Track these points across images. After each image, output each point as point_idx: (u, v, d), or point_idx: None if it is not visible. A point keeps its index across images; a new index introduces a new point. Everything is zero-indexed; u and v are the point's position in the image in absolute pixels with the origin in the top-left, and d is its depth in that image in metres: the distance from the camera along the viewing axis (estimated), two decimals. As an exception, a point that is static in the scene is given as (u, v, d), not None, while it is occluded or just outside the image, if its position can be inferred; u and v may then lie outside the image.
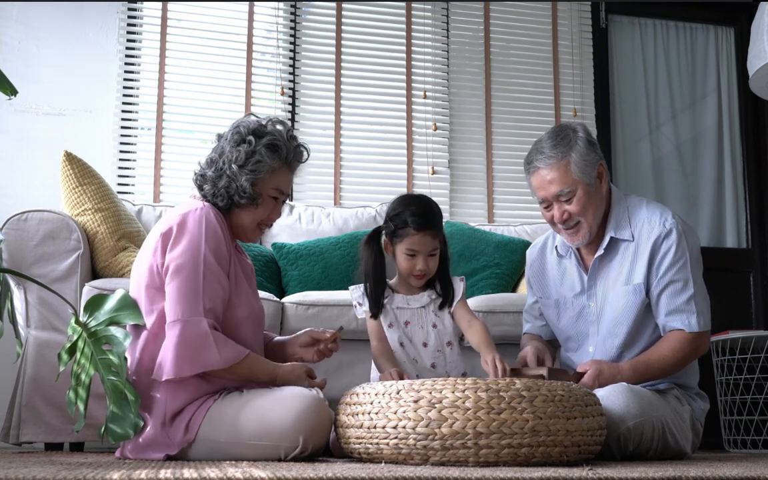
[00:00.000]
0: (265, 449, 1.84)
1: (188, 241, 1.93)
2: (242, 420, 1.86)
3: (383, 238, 2.28)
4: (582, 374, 2.10)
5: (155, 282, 1.94)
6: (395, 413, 1.66)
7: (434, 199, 2.33)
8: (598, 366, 2.11)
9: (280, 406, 1.85)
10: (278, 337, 2.30)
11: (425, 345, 2.23)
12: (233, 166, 2.01)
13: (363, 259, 2.29)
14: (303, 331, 2.25)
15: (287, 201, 3.62)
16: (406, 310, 2.26)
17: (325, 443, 1.91)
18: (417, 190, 3.86)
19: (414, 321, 2.25)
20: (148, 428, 1.90)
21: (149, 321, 1.94)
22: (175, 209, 2.05)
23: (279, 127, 2.08)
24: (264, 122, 2.08)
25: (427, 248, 2.19)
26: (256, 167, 2.01)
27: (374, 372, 2.29)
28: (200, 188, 2.07)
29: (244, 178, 2.01)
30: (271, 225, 2.16)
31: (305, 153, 2.14)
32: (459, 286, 2.30)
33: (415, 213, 2.18)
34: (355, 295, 2.29)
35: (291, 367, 2.03)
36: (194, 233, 1.93)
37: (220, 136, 2.10)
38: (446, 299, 2.28)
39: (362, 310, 2.27)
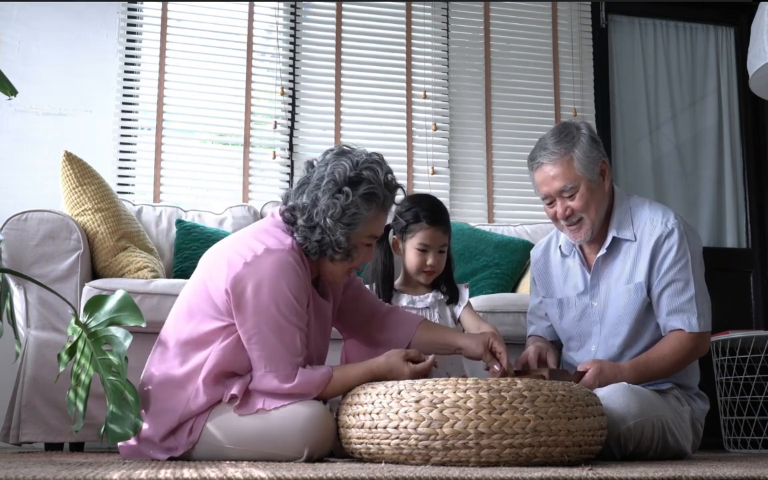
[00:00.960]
0: (267, 456, 1.84)
1: (273, 290, 1.84)
2: (247, 427, 1.86)
3: (391, 236, 2.29)
4: (583, 373, 2.10)
5: (220, 300, 1.88)
6: (396, 413, 1.66)
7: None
8: (599, 365, 2.11)
9: (285, 417, 1.84)
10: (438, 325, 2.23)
11: None
12: (328, 220, 1.89)
13: (377, 259, 2.30)
14: (482, 333, 2.15)
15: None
16: (412, 309, 2.27)
17: (329, 450, 1.92)
18: (417, 190, 3.87)
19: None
20: (156, 428, 1.89)
21: (203, 328, 1.90)
22: (263, 232, 1.94)
23: (375, 168, 1.94)
24: (360, 163, 1.93)
25: (438, 243, 2.23)
26: (352, 220, 1.91)
27: None
28: (290, 224, 1.96)
29: (340, 232, 1.90)
30: (360, 267, 2.07)
31: (402, 194, 2.04)
32: (464, 291, 2.34)
33: (426, 208, 2.23)
34: None
35: (386, 357, 1.95)
36: (278, 281, 1.85)
37: (310, 167, 1.99)
38: (452, 298, 2.31)
39: None
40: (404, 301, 2.28)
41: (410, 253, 2.25)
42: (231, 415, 1.87)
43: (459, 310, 2.33)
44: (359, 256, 1.99)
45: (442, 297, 2.32)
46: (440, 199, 2.39)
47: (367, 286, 2.32)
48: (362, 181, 1.92)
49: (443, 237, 2.24)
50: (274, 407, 1.86)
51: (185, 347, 1.91)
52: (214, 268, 1.94)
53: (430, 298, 2.29)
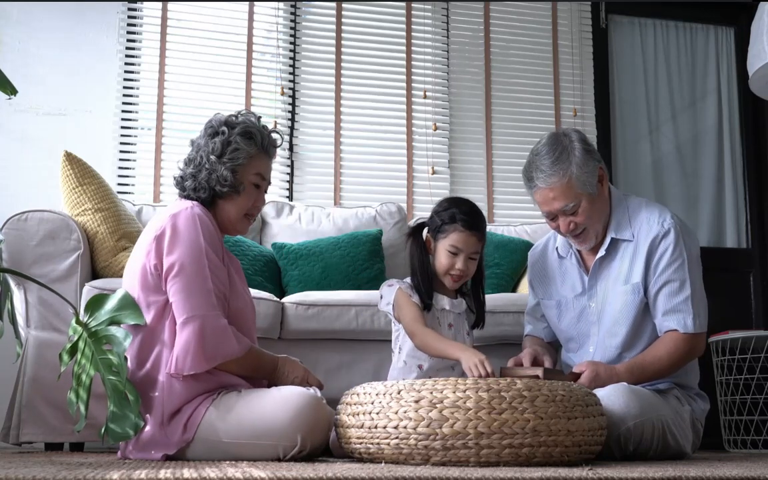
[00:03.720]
0: (263, 448, 1.84)
1: (187, 240, 1.93)
2: (241, 419, 1.87)
3: (426, 234, 2.27)
4: (578, 375, 2.09)
5: (149, 282, 1.95)
6: (396, 413, 1.66)
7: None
8: (594, 367, 2.10)
9: (278, 405, 1.85)
10: None
11: None
12: (211, 156, 2.04)
13: (410, 253, 2.27)
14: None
15: (288, 200, 3.63)
16: (450, 313, 2.25)
17: (324, 441, 1.91)
18: (417, 190, 3.87)
19: (456, 325, 2.25)
20: (147, 428, 1.91)
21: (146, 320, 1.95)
22: (165, 210, 2.05)
23: (251, 117, 2.13)
24: (234, 114, 2.12)
25: (470, 249, 2.19)
26: (234, 155, 2.04)
27: (393, 370, 2.27)
28: (182, 188, 2.09)
29: (224, 168, 2.03)
30: (257, 214, 2.17)
31: (280, 138, 2.18)
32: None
33: (464, 212, 2.20)
34: (396, 286, 2.23)
35: (289, 358, 2.09)
36: (191, 232, 1.94)
37: (193, 141, 2.13)
38: (479, 320, 2.29)
39: (385, 303, 2.25)
40: (445, 303, 2.24)
41: (441, 253, 2.21)
42: (224, 410, 1.88)
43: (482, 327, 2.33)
44: (248, 194, 2.09)
45: (467, 308, 2.29)
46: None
47: (392, 279, 2.31)
48: (238, 123, 2.09)
49: (476, 244, 2.20)
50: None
51: (143, 349, 1.95)
52: (133, 264, 2.01)
53: (463, 304, 2.27)
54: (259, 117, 2.15)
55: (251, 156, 2.07)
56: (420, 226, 2.29)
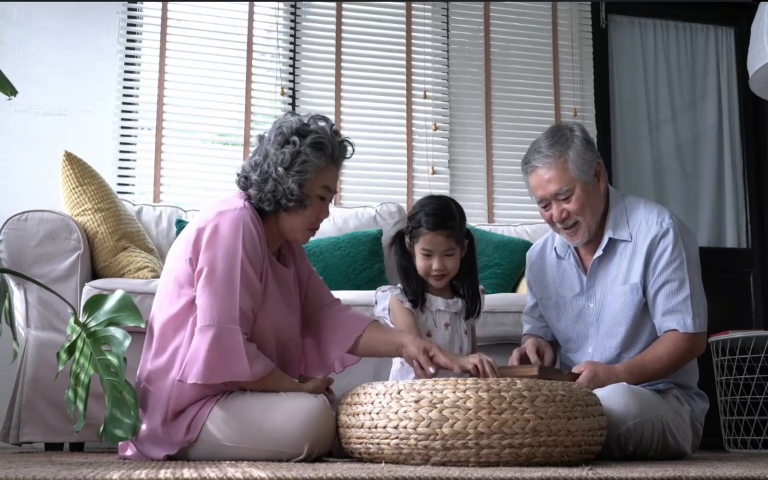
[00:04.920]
0: (267, 454, 1.84)
1: (224, 244, 1.88)
2: (246, 423, 1.85)
3: (407, 240, 2.27)
4: (577, 375, 2.09)
5: (183, 274, 1.91)
6: (396, 413, 1.66)
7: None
8: (593, 368, 2.10)
9: (285, 413, 1.84)
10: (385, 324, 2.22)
11: (461, 350, 2.21)
12: (279, 168, 1.95)
13: (394, 262, 2.28)
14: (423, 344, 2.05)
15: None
16: (446, 313, 2.23)
17: (329, 447, 1.91)
18: (417, 190, 3.87)
19: (453, 325, 2.24)
20: (149, 424, 1.89)
21: (172, 310, 1.91)
22: (215, 203, 2.00)
23: (322, 123, 2.03)
24: (306, 120, 2.03)
25: (441, 248, 2.17)
26: (303, 168, 1.96)
27: (393, 371, 2.27)
28: (243, 188, 2.02)
29: (291, 180, 1.95)
30: (318, 226, 2.10)
31: (350, 148, 2.09)
32: (483, 297, 2.30)
33: (428, 212, 2.18)
34: (389, 293, 2.23)
35: (314, 387, 2.00)
36: (231, 236, 1.89)
37: (261, 138, 2.06)
38: (473, 310, 2.25)
39: (380, 309, 2.24)
40: (441, 305, 2.23)
41: (417, 256, 2.20)
42: (230, 414, 1.87)
43: (479, 315, 2.30)
44: (314, 207, 2.02)
45: (464, 304, 2.27)
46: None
47: (384, 286, 2.30)
48: (310, 132, 1.99)
49: (446, 242, 2.17)
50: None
51: (162, 338, 1.93)
52: (175, 250, 1.98)
53: (459, 303, 2.26)
54: (332, 124, 2.05)
55: (320, 169, 1.99)
56: (397, 235, 2.28)
